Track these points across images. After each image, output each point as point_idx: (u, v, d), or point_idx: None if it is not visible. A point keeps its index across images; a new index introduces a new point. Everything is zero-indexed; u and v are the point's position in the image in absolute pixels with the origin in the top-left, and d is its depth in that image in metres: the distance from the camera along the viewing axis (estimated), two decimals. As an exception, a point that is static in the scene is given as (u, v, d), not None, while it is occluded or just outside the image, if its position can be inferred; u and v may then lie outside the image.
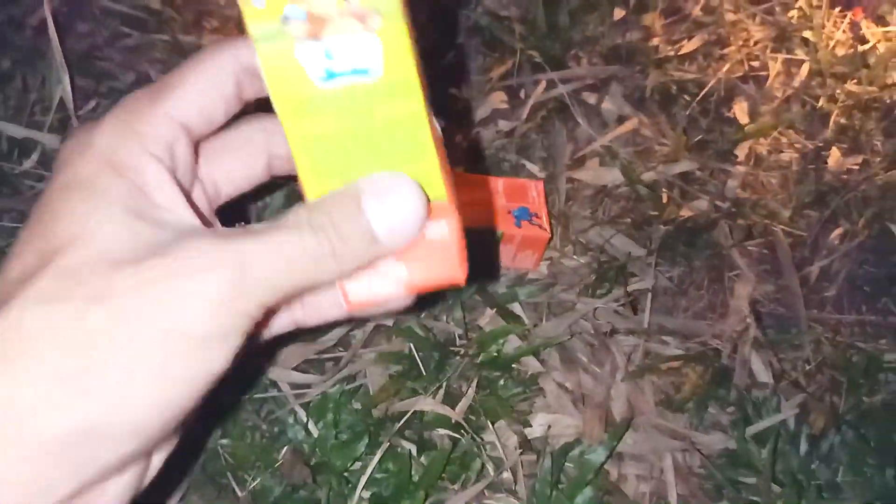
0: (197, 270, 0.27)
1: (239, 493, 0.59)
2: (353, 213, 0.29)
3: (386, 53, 0.28)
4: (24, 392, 0.25)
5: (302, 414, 0.62)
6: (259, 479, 0.59)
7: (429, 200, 0.31)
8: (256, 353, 0.58)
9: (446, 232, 0.33)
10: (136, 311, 0.26)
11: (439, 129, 0.34)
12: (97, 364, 0.26)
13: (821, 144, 0.88)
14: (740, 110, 0.91)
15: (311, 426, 0.62)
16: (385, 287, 0.33)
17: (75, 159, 0.30)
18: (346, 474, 0.60)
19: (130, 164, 0.30)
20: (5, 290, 0.28)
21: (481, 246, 0.70)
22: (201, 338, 0.27)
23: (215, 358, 0.28)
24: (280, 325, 0.36)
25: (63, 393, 0.26)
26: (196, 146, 0.34)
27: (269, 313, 0.31)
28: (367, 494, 0.59)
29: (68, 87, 0.75)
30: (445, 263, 0.33)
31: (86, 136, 0.31)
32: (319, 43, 0.28)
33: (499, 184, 0.73)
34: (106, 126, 0.31)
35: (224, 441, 0.60)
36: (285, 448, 0.61)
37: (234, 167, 0.37)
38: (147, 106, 0.31)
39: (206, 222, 0.33)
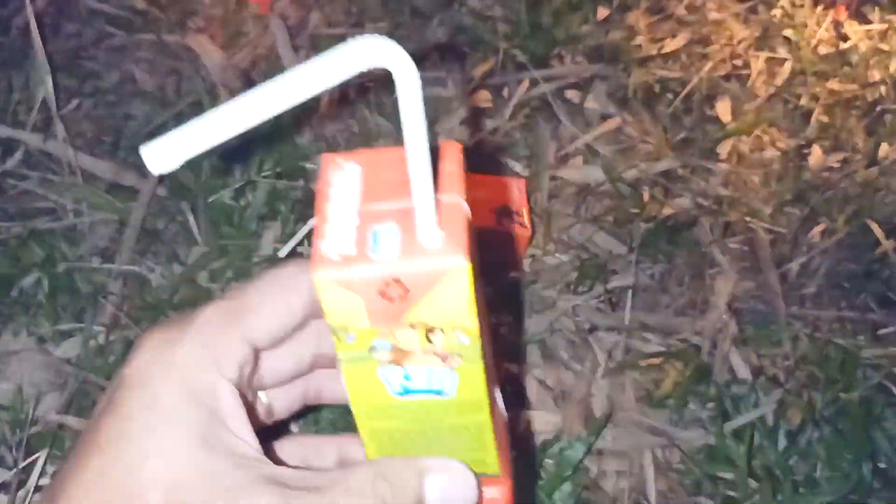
0: None
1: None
2: (413, 490, 0.31)
3: (461, 383, 0.30)
4: None
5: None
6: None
7: (480, 486, 0.34)
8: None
9: (497, 496, 0.36)
10: None
11: (504, 412, 0.37)
12: None
13: (802, 142, 0.89)
14: (723, 109, 0.91)
15: (292, 427, 0.62)
16: None
17: (155, 379, 0.31)
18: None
19: (209, 389, 0.31)
20: None
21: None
22: None
23: None
24: None
25: None
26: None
27: None
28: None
29: (51, 87, 0.75)
30: None
31: (165, 353, 0.32)
32: (401, 368, 0.30)
33: (481, 182, 0.74)
34: (186, 347, 0.31)
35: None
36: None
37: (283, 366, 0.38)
38: (224, 328, 0.32)
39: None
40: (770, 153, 0.88)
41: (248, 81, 0.85)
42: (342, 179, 0.29)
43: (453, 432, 0.33)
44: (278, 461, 0.33)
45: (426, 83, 0.87)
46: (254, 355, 0.34)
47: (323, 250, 0.27)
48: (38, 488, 0.61)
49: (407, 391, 0.30)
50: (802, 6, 1.01)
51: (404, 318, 0.28)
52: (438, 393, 0.31)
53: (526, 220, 0.71)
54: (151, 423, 0.30)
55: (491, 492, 0.35)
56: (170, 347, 0.32)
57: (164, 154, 0.25)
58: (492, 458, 0.34)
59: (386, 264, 0.27)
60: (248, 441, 0.32)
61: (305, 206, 0.76)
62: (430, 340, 0.29)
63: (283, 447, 0.38)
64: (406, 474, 0.31)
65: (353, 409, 0.31)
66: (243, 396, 0.33)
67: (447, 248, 0.27)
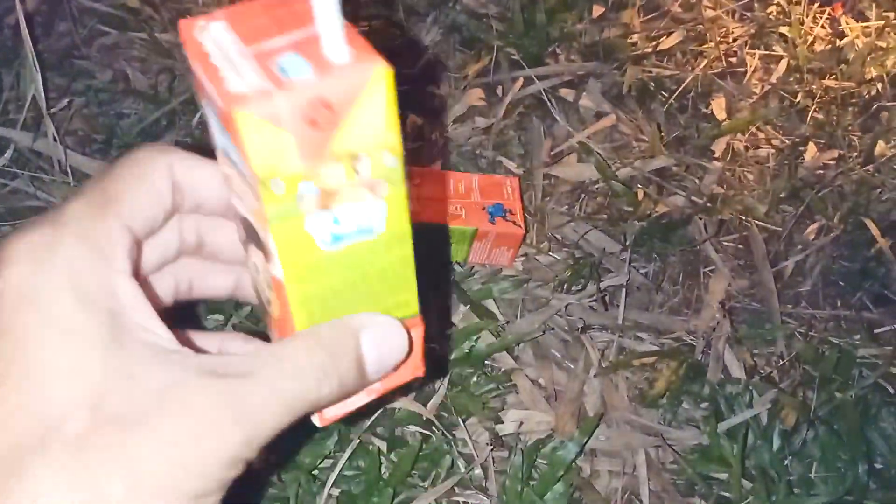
0: (213, 433, 0.27)
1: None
2: (351, 352, 0.30)
3: (388, 214, 0.30)
4: None
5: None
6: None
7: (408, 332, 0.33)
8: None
9: (416, 337, 0.35)
10: (156, 480, 0.26)
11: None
12: None
13: (798, 140, 0.88)
14: (718, 106, 0.91)
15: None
16: (358, 400, 0.35)
17: (41, 290, 0.27)
18: (315, 472, 0.60)
19: (105, 287, 0.28)
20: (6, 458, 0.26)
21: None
22: (208, 493, 0.27)
23: (216, 501, 0.28)
24: None
25: None
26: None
27: None
28: (336, 492, 0.59)
29: (41, 86, 0.75)
30: (410, 366, 0.36)
31: (43, 258, 0.28)
32: (329, 212, 0.29)
33: (473, 180, 0.73)
34: (67, 247, 0.28)
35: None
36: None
37: (217, 282, 0.37)
38: (101, 220, 0.29)
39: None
40: (765, 151, 0.88)
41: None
42: (213, 35, 0.28)
43: (381, 277, 0.32)
44: (196, 349, 0.30)
45: (420, 81, 0.87)
46: (136, 244, 0.31)
47: (233, 89, 0.26)
48: None
49: (336, 238, 0.30)
50: (798, 3, 1.00)
51: (329, 148, 0.27)
52: (368, 231, 0.30)
53: (519, 218, 0.71)
54: (51, 338, 0.27)
55: (413, 334, 0.34)
56: (48, 251, 0.28)
57: None
58: (413, 296, 0.34)
59: (308, 86, 0.26)
60: (161, 333, 0.29)
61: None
62: (356, 170, 0.28)
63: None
64: (342, 339, 0.30)
65: (284, 274, 0.30)
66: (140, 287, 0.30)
67: (363, 58, 0.27)
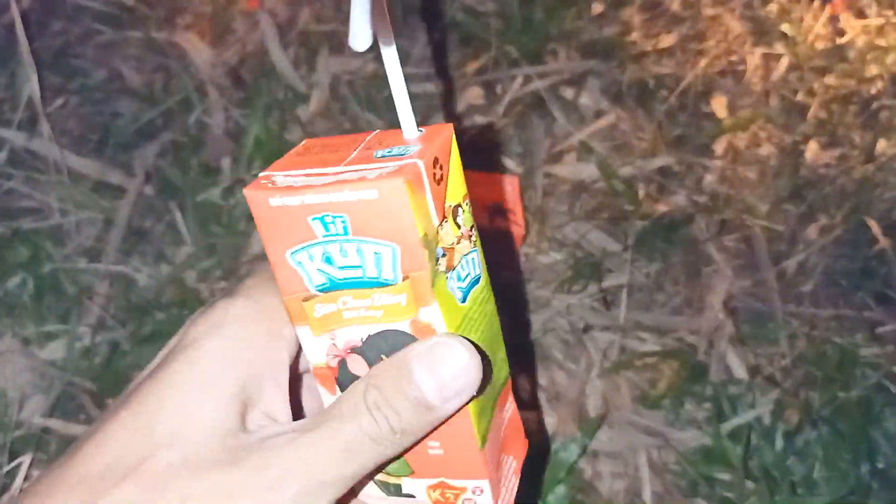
0: (269, 486, 0.27)
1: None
2: (403, 382, 0.29)
3: (479, 256, 0.32)
4: None
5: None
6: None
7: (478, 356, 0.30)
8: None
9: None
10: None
11: None
12: None
13: (799, 138, 0.88)
14: (718, 105, 0.90)
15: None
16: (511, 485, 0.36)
17: (204, 338, 0.30)
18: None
19: (262, 340, 0.31)
20: (90, 485, 0.28)
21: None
22: None
23: None
24: None
25: None
26: None
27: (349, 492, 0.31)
28: None
29: (36, 86, 0.74)
30: (516, 440, 0.36)
31: (215, 315, 0.31)
32: (454, 271, 0.30)
33: (473, 180, 0.73)
34: (239, 303, 0.31)
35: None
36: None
37: None
38: (276, 294, 0.31)
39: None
40: (766, 149, 0.87)
41: (237, 79, 0.84)
42: (281, 181, 0.29)
43: (492, 327, 0.33)
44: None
45: (418, 80, 0.87)
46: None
47: (366, 176, 0.27)
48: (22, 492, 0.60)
49: (464, 293, 0.31)
50: (799, 1, 1.00)
51: (445, 204, 0.29)
52: (477, 280, 0.31)
53: (520, 217, 0.70)
54: (186, 379, 0.29)
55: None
56: (222, 308, 0.31)
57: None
58: (503, 347, 0.34)
59: (423, 150, 0.28)
60: (280, 410, 0.31)
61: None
62: (457, 224, 0.29)
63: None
64: (393, 373, 0.29)
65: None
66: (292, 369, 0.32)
67: (431, 125, 0.31)
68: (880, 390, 0.69)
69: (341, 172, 0.28)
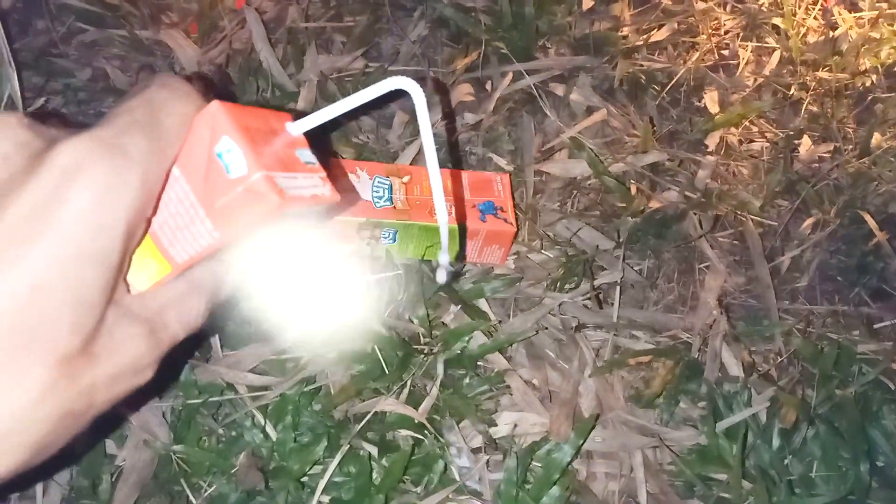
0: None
1: (193, 501, 0.57)
2: None
3: None
4: None
5: (260, 417, 0.61)
6: (215, 486, 0.57)
7: None
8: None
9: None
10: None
11: None
12: None
13: (792, 133, 0.87)
14: (710, 100, 0.89)
15: (269, 429, 0.60)
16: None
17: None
18: (304, 479, 0.58)
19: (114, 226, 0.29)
20: None
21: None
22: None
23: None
24: None
25: None
26: None
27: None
28: (325, 499, 0.58)
29: (16, 86, 0.72)
30: None
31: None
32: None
33: (463, 177, 0.72)
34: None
35: (178, 447, 0.58)
36: (242, 453, 0.59)
37: None
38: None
39: None
40: (759, 144, 0.86)
41: (224, 77, 0.83)
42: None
43: None
44: None
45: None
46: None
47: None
48: None
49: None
50: (791, -6, 0.99)
51: None
52: None
53: (510, 215, 0.69)
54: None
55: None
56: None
57: None
58: None
59: None
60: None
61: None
62: None
63: None
64: None
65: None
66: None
67: None
68: (878, 387, 0.68)
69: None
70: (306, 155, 0.33)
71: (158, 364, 0.32)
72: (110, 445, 0.59)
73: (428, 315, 0.66)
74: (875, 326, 0.73)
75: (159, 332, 0.32)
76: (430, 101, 0.84)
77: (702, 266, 0.76)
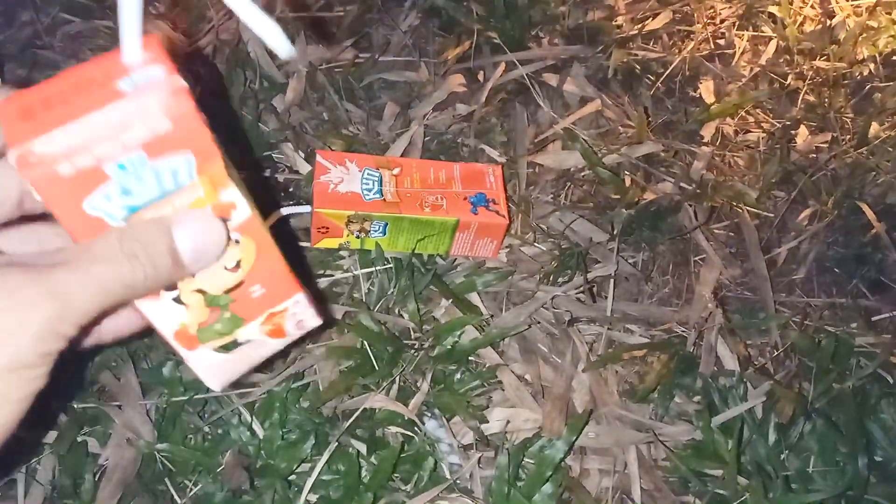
0: (22, 306, 0.28)
1: (178, 500, 0.56)
2: (163, 241, 0.31)
3: None
4: None
5: (246, 414, 0.60)
6: (200, 485, 0.56)
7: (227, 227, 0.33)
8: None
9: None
10: None
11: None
12: None
13: (789, 123, 0.86)
14: (706, 89, 0.88)
15: (255, 427, 0.59)
16: (254, 353, 0.39)
17: None
18: (292, 477, 0.57)
19: None
20: None
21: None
22: (28, 365, 0.29)
23: (38, 377, 0.29)
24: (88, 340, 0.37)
25: None
26: None
27: (83, 330, 0.32)
28: (313, 498, 0.57)
29: (-1, 77, 0.71)
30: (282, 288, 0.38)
31: None
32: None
33: (455, 170, 0.71)
34: None
35: (161, 445, 0.57)
36: (228, 451, 0.58)
37: None
38: None
39: None
40: (755, 134, 0.85)
41: (211, 68, 0.81)
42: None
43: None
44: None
45: (399, 67, 0.84)
46: None
47: None
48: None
49: None
50: (787, -18, 0.98)
51: None
52: None
53: (503, 208, 0.68)
54: None
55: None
56: None
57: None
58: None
59: None
60: None
61: (274, 194, 0.73)
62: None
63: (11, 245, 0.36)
64: (152, 229, 0.31)
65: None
66: None
67: None
68: (876, 380, 0.67)
69: (109, 112, 0.28)
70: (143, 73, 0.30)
71: None
72: (93, 444, 0.58)
73: (418, 309, 0.65)
74: (873, 319, 0.72)
75: None
76: (422, 91, 0.83)
77: (697, 258, 0.75)
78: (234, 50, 0.83)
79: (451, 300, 0.67)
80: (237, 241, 0.34)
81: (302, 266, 0.67)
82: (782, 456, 0.63)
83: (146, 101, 0.28)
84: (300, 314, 0.38)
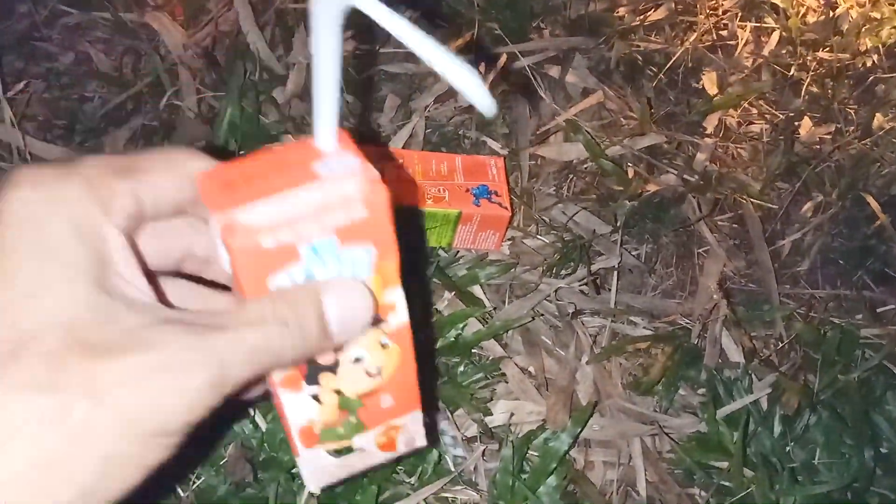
0: (180, 371, 0.27)
1: (181, 493, 0.56)
2: (312, 306, 0.30)
3: None
4: (5, 475, 0.26)
5: (249, 407, 0.59)
6: (203, 478, 0.56)
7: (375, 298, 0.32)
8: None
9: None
10: (120, 408, 0.26)
11: None
12: (79, 455, 0.26)
13: (792, 114, 0.85)
14: (709, 81, 0.88)
15: (258, 419, 0.59)
16: (360, 461, 0.37)
17: (39, 214, 0.29)
18: (294, 470, 0.57)
19: (97, 230, 0.29)
20: None
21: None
22: (170, 433, 0.28)
23: (171, 446, 0.28)
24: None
25: (43, 480, 0.26)
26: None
27: None
28: (317, 491, 0.56)
29: (-5, 69, 0.71)
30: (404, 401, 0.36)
31: (50, 190, 0.29)
32: None
33: (457, 162, 0.70)
34: (73, 187, 0.29)
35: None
36: (231, 444, 0.57)
37: (154, 248, 0.35)
38: (113, 178, 0.30)
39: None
40: (758, 126, 0.85)
41: (211, 60, 0.81)
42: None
43: None
44: (172, 306, 0.32)
45: (399, 59, 0.83)
46: (139, 215, 0.31)
47: None
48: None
49: None
50: (790, -27, 0.97)
51: None
52: None
53: (505, 200, 0.68)
54: (41, 259, 0.28)
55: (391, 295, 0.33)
56: (54, 184, 0.29)
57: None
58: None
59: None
60: (141, 287, 0.30)
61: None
62: None
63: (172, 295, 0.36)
64: (304, 295, 0.30)
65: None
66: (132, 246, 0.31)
67: None
68: (882, 372, 0.67)
69: (309, 192, 0.29)
70: (333, 162, 0.30)
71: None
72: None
73: (422, 301, 0.65)
74: (878, 310, 0.72)
75: None
76: (423, 83, 0.83)
77: (701, 250, 0.75)
78: (233, 41, 0.82)
79: (453, 293, 0.66)
80: (384, 346, 0.33)
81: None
82: (788, 448, 0.63)
83: (345, 187, 0.29)
84: (413, 431, 0.37)
